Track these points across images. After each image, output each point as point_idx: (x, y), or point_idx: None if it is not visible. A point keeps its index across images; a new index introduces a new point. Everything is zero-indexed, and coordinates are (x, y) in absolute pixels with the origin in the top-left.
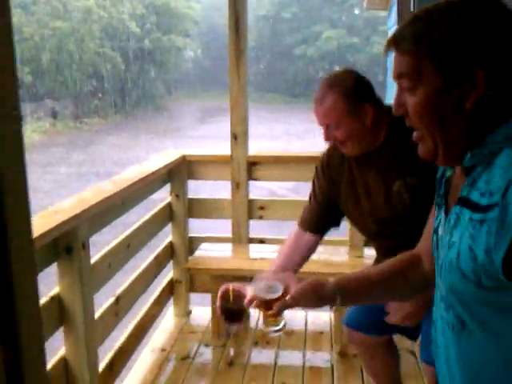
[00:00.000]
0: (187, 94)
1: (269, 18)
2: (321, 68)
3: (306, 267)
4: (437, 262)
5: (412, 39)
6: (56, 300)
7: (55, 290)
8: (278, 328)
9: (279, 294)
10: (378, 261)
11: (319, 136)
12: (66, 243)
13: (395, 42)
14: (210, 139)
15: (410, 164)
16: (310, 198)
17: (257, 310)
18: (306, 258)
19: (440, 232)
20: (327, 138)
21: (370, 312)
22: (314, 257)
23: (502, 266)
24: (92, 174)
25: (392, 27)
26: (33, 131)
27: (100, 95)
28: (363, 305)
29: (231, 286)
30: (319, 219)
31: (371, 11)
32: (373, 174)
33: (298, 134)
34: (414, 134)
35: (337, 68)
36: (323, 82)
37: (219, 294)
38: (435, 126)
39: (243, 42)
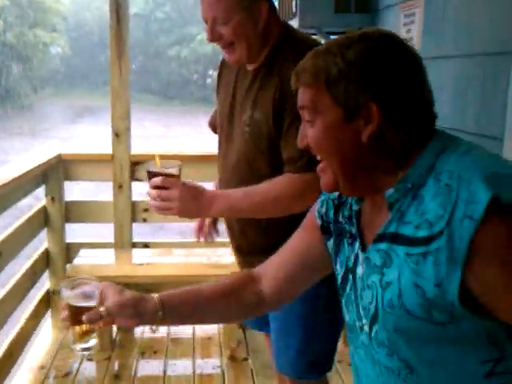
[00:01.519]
0: (54, 93)
1: (142, 16)
2: (195, 71)
3: (193, 271)
4: (354, 305)
5: (311, 73)
6: None
7: None
8: (86, 346)
9: (94, 302)
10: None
11: (198, 139)
12: None
13: (297, 75)
14: (81, 140)
15: (267, 100)
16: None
17: None
18: None
19: (359, 272)
20: (212, 36)
21: None
22: (200, 260)
23: (459, 295)
24: None
25: None
26: None
27: None
28: None
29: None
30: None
31: None
32: (240, 96)
33: (177, 135)
34: (319, 165)
35: (211, 72)
36: None
37: None
38: (334, 158)
39: (125, 33)
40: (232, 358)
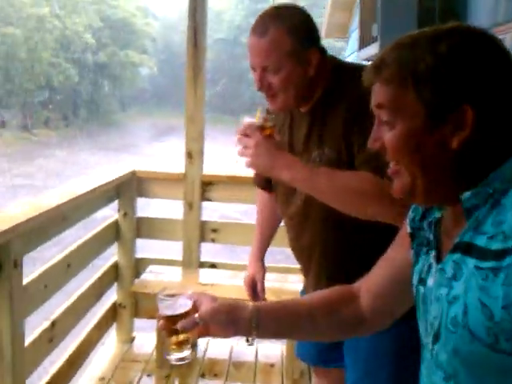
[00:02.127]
0: (140, 111)
1: (226, 41)
2: None
3: None
4: (424, 319)
5: (395, 67)
6: None
7: None
8: (181, 356)
9: (185, 309)
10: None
11: None
12: None
13: (375, 69)
14: (161, 157)
15: (334, 134)
16: None
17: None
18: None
19: (430, 283)
20: (261, 84)
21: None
22: (272, 284)
23: None
24: (36, 188)
25: (348, 56)
26: None
27: (51, 107)
28: None
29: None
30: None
31: (329, 40)
32: (301, 136)
33: None
34: (390, 166)
35: None
36: (266, 13)
37: None
38: (415, 163)
39: (202, 55)
40: None
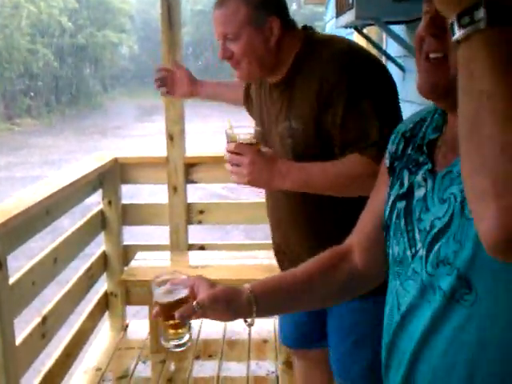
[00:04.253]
0: (124, 92)
1: (206, 13)
2: None
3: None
4: (402, 232)
5: None
6: None
7: None
8: (180, 342)
9: (182, 296)
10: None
11: None
12: None
13: None
14: (150, 138)
15: (303, 106)
16: None
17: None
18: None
19: (420, 193)
20: (223, 54)
21: (293, 323)
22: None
23: None
24: (26, 179)
25: (329, 21)
26: None
27: (32, 94)
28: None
29: None
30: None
31: (309, 7)
32: (274, 109)
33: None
34: None
35: None
36: None
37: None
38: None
39: (177, 37)
40: (287, 364)
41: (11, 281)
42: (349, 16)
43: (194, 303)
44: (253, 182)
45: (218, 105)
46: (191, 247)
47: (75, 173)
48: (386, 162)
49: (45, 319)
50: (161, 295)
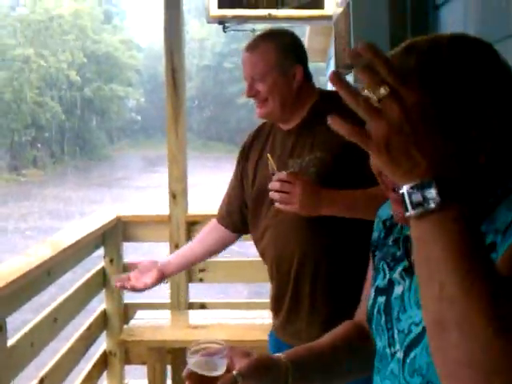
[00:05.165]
0: (130, 143)
1: (211, 68)
2: None
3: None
4: (386, 328)
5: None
6: None
7: None
8: None
9: (223, 370)
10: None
11: None
12: None
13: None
14: (154, 189)
15: (324, 141)
16: (228, 187)
17: None
18: (211, 252)
19: (398, 291)
20: (249, 92)
21: None
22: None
23: None
24: (30, 230)
25: None
26: None
27: (39, 145)
28: None
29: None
30: (234, 215)
31: (311, 63)
32: (284, 151)
33: None
34: None
35: None
36: (259, 33)
37: None
38: None
39: (181, 97)
40: None
41: (9, 343)
42: (348, 79)
43: (235, 373)
44: (303, 208)
45: (224, 156)
46: (192, 305)
47: (77, 232)
48: (372, 248)
49: (42, 381)
50: (197, 366)
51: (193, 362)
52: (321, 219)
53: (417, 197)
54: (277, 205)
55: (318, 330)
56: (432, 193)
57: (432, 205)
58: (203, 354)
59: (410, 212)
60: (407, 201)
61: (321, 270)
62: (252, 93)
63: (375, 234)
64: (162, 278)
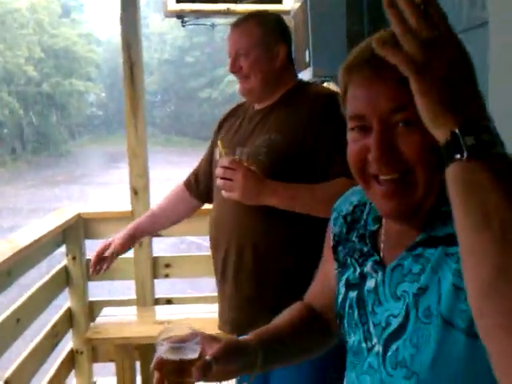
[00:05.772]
0: (92, 139)
1: (172, 62)
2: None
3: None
4: (360, 323)
5: None
6: None
7: None
8: None
9: (196, 356)
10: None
11: None
12: None
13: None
14: (116, 185)
15: (281, 124)
16: (203, 156)
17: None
18: (178, 219)
19: (370, 285)
20: (232, 67)
21: None
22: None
23: None
24: None
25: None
26: None
27: None
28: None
29: None
30: (200, 184)
31: None
32: (248, 128)
33: None
34: None
35: None
36: (247, 13)
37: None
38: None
39: (140, 91)
40: None
41: None
42: (306, 74)
43: (208, 358)
44: (243, 196)
45: (189, 151)
46: (158, 301)
47: (38, 230)
48: (331, 241)
49: (7, 383)
50: (169, 353)
51: (166, 350)
52: (262, 208)
53: (470, 139)
54: (222, 192)
55: (239, 314)
56: (487, 137)
57: (489, 148)
58: (174, 341)
59: (465, 154)
60: (461, 142)
61: (245, 256)
62: (235, 68)
63: (336, 229)
64: (133, 238)
